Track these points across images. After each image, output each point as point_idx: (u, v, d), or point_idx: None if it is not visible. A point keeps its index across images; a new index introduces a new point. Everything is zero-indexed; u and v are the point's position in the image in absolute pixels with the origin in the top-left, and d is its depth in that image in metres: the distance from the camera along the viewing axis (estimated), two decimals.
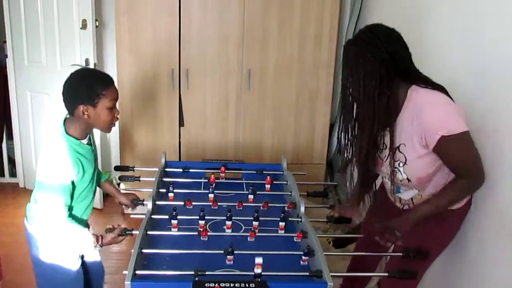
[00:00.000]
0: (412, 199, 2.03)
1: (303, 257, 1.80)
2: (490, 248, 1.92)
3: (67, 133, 1.94)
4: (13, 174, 4.38)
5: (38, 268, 2.09)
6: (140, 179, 2.53)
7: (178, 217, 2.03)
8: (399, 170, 1.90)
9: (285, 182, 2.55)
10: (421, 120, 1.74)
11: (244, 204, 2.24)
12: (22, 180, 4.29)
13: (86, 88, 1.91)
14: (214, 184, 2.42)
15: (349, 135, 1.89)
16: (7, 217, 3.71)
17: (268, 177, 2.49)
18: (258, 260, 1.63)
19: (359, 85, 1.75)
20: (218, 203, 2.22)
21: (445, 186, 1.87)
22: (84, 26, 3.56)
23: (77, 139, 1.96)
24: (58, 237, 2.00)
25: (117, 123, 2.04)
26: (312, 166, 3.77)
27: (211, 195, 2.29)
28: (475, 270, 2.00)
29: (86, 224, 2.15)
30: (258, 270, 1.64)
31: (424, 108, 1.74)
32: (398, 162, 1.88)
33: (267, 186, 2.48)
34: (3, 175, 4.39)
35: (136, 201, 2.34)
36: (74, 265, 2.12)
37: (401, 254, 1.87)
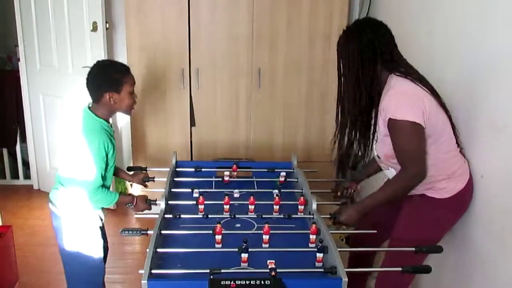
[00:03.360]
0: None
1: (318, 256, 1.80)
2: (501, 245, 1.91)
3: (95, 114, 2.18)
4: (27, 176, 4.42)
5: (64, 252, 2.25)
6: (154, 179, 2.56)
7: (190, 216, 2.09)
8: (374, 148, 2.12)
9: (296, 180, 2.56)
10: (382, 102, 1.96)
11: (257, 202, 2.25)
12: (36, 182, 4.33)
13: (110, 78, 2.17)
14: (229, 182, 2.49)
15: (342, 115, 2.10)
16: (21, 219, 3.75)
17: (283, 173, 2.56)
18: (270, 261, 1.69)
19: (346, 67, 2.00)
20: (231, 202, 2.23)
21: (387, 181, 2.10)
22: (94, 28, 3.59)
23: (106, 121, 2.21)
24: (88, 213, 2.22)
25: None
26: (323, 164, 3.77)
27: (236, 195, 2.36)
28: (487, 267, 2.00)
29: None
30: (272, 266, 1.67)
31: (388, 91, 1.95)
32: (375, 140, 2.09)
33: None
34: (17, 177, 4.43)
35: (149, 201, 2.37)
36: (99, 244, 2.27)
37: (413, 249, 1.87)
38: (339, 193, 2.45)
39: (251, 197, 2.20)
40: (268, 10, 3.50)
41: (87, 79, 2.19)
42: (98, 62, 2.26)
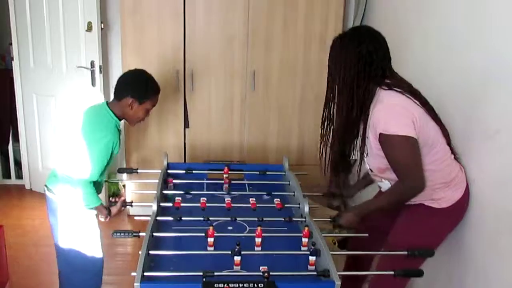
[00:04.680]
0: None
1: (310, 259, 1.80)
2: (492, 249, 1.92)
3: (112, 112, 2.27)
4: (19, 176, 4.40)
5: (60, 240, 2.28)
6: (145, 181, 2.55)
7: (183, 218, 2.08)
8: (365, 161, 2.08)
9: (288, 183, 2.56)
10: (372, 116, 1.92)
11: (248, 205, 2.25)
12: (28, 182, 4.31)
13: (144, 87, 2.31)
14: (228, 185, 2.47)
15: (329, 122, 2.10)
16: (13, 219, 3.73)
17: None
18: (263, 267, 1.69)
19: (340, 75, 1.95)
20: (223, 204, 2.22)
21: (387, 189, 2.07)
22: (89, 28, 3.58)
23: (119, 119, 2.29)
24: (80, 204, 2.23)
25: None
26: (317, 167, 3.76)
27: (227, 198, 2.34)
28: (479, 270, 2.01)
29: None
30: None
31: (376, 105, 1.91)
32: (365, 154, 2.05)
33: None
34: (9, 177, 4.41)
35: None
36: (95, 232, 2.31)
37: (406, 252, 1.88)
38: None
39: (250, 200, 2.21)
40: (263, 12, 3.50)
41: (124, 75, 2.37)
42: (142, 70, 2.41)
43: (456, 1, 2.31)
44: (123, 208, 2.38)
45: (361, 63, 1.90)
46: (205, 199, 2.30)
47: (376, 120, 1.90)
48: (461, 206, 2.05)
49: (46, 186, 2.28)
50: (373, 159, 2.04)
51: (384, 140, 1.90)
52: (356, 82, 1.92)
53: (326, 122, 2.12)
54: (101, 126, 2.22)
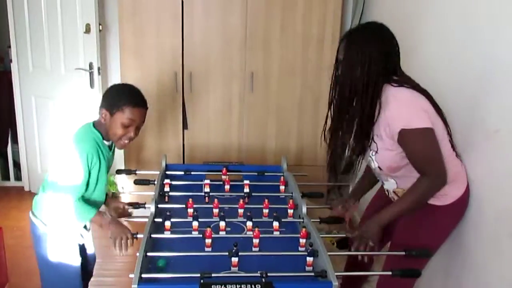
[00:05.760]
0: (395, 192, 2.11)
1: (308, 260, 1.81)
2: (492, 249, 1.92)
3: (95, 127, 2.10)
4: (18, 177, 4.40)
5: (41, 262, 2.17)
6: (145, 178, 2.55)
7: (179, 219, 2.08)
8: (372, 159, 2.03)
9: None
10: (386, 113, 1.87)
11: (247, 206, 2.25)
12: (27, 184, 4.31)
13: (114, 97, 2.08)
14: (229, 186, 2.48)
15: (339, 123, 2.03)
16: (12, 220, 3.72)
17: (282, 177, 2.56)
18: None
19: (356, 70, 1.85)
20: (220, 205, 2.22)
21: (408, 188, 1.96)
22: (87, 30, 3.59)
23: (101, 135, 2.09)
24: (64, 224, 2.08)
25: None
26: (316, 168, 3.78)
27: (241, 201, 2.27)
28: (479, 270, 2.01)
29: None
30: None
31: (389, 102, 1.86)
32: (371, 152, 2.01)
33: (282, 188, 2.52)
34: (8, 178, 4.41)
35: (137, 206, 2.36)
36: (75, 261, 2.18)
37: (403, 253, 1.88)
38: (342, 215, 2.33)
39: (241, 200, 2.21)
40: (261, 14, 3.51)
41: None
42: (127, 83, 2.22)
43: (454, 1, 2.31)
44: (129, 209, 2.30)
45: (381, 58, 1.86)
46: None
47: (393, 116, 1.86)
48: (463, 203, 2.04)
49: (32, 209, 2.17)
50: (383, 158, 1.99)
51: (406, 135, 1.85)
52: (375, 78, 1.86)
53: (336, 121, 2.04)
54: (77, 138, 2.05)
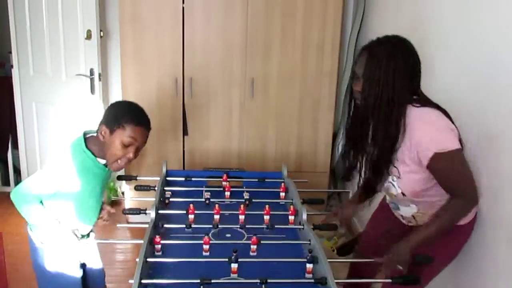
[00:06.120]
0: (413, 216, 2.02)
1: (308, 266, 1.81)
2: (494, 256, 1.92)
3: (86, 146, 1.96)
4: (18, 183, 4.38)
5: (39, 274, 2.12)
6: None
7: (179, 225, 2.10)
8: (393, 185, 1.91)
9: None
10: (414, 136, 1.74)
11: (247, 212, 2.25)
12: None
13: (115, 114, 1.95)
14: (230, 193, 2.48)
15: (360, 143, 1.89)
16: (12, 226, 3.72)
17: (283, 183, 2.55)
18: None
19: (383, 85, 1.71)
20: (221, 212, 2.22)
21: (440, 208, 1.84)
22: (88, 36, 3.60)
23: (93, 155, 1.97)
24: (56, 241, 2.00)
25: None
26: (315, 174, 3.78)
27: (241, 207, 2.26)
28: (481, 278, 2.00)
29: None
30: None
31: (416, 124, 1.74)
32: (392, 177, 1.89)
33: (282, 194, 2.51)
34: (8, 184, 4.40)
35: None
36: (75, 274, 2.14)
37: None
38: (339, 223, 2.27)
39: (241, 207, 2.21)
40: (262, 20, 3.53)
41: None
42: (131, 101, 2.08)
43: (453, 4, 2.32)
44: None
45: (409, 73, 1.75)
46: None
47: (424, 141, 1.73)
48: (473, 222, 1.97)
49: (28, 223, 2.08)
50: (407, 182, 1.86)
51: (440, 159, 1.72)
52: (400, 98, 1.73)
53: (353, 143, 1.92)
54: (65, 152, 1.94)
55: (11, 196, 1.95)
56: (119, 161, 1.96)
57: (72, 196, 1.99)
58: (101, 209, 2.20)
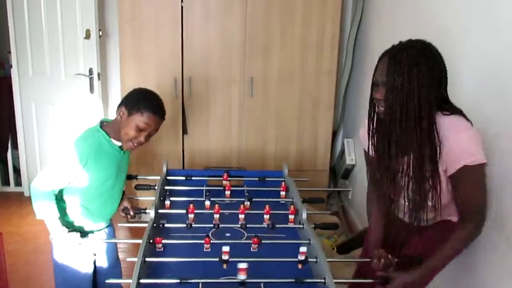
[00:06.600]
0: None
1: (301, 249, 1.81)
2: (492, 256, 1.92)
3: (101, 127, 2.13)
4: (18, 183, 4.40)
5: (54, 269, 2.22)
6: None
7: (180, 225, 2.10)
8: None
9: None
10: (445, 145, 1.66)
11: (247, 211, 2.25)
12: (27, 189, 4.29)
13: (137, 99, 2.14)
14: (230, 192, 2.48)
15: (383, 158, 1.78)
16: (12, 226, 3.73)
17: (283, 182, 2.54)
18: (242, 265, 1.65)
19: (407, 95, 1.62)
20: (221, 211, 2.22)
21: (447, 238, 1.74)
22: (87, 36, 3.60)
23: (109, 136, 2.12)
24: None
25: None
26: (315, 172, 3.78)
27: (246, 203, 2.31)
28: (482, 278, 2.00)
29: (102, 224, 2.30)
30: (241, 276, 1.65)
31: (447, 133, 1.67)
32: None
33: (282, 193, 2.50)
34: (8, 184, 4.41)
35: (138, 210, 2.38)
36: (85, 269, 2.22)
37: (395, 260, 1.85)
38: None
39: (242, 206, 2.21)
40: (261, 19, 3.52)
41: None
42: (150, 90, 2.26)
43: (452, 5, 2.32)
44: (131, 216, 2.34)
45: (436, 84, 1.66)
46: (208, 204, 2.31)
47: (455, 151, 1.65)
48: None
49: None
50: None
51: (468, 172, 1.64)
52: (429, 107, 1.64)
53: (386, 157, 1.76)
54: (75, 138, 2.08)
55: (30, 188, 2.07)
56: (130, 142, 2.10)
57: (88, 178, 2.08)
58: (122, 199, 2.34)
